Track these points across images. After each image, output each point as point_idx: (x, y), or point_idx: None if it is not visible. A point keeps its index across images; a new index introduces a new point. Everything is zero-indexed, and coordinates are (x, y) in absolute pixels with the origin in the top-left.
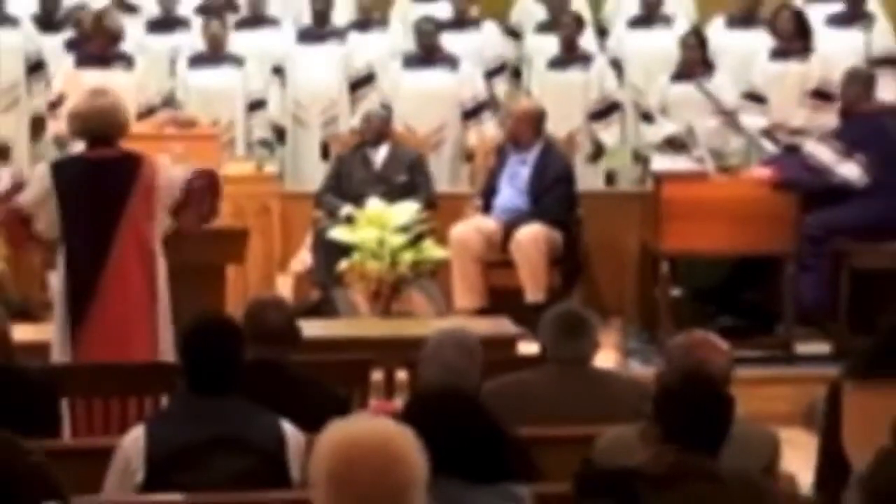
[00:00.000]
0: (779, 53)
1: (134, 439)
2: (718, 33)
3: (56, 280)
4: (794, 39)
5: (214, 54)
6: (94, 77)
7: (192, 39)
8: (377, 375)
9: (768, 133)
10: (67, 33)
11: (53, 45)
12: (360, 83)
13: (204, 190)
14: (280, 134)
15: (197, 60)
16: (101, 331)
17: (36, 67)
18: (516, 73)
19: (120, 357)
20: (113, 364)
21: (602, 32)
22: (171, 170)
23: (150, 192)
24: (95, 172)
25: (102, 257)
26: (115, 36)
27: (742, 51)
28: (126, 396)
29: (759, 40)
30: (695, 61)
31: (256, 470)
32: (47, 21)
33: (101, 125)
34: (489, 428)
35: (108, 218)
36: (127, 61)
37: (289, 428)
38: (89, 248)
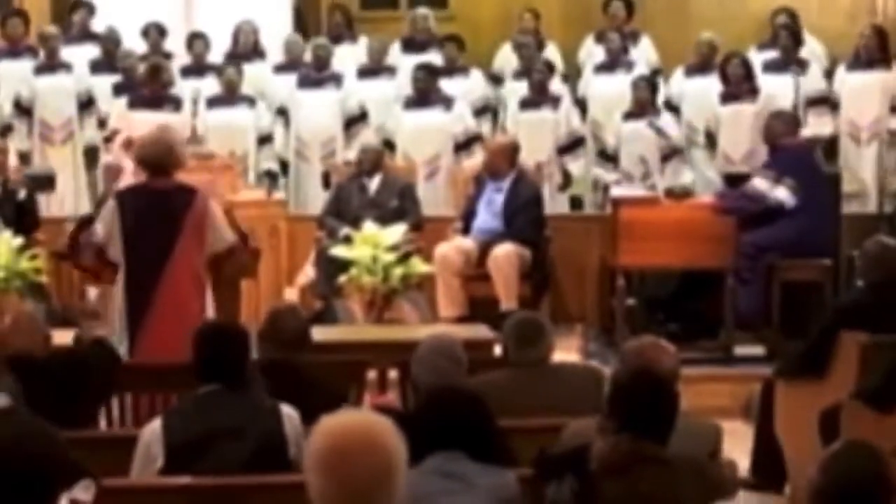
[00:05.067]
0: (729, 96)
1: (152, 430)
2: (679, 81)
3: (117, 294)
4: (743, 83)
5: (230, 96)
6: (145, 117)
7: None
8: (372, 374)
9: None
10: (115, 77)
11: (102, 86)
12: (354, 121)
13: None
14: (284, 166)
15: (215, 101)
16: (155, 339)
17: (86, 105)
18: (494, 113)
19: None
20: (158, 364)
21: (577, 74)
22: (220, 222)
23: (202, 222)
24: (156, 200)
25: (158, 275)
26: (168, 84)
27: (699, 96)
28: (169, 392)
29: (712, 85)
30: (645, 101)
31: (260, 451)
32: (106, 65)
33: (162, 157)
34: (484, 417)
35: (165, 241)
36: (175, 104)
37: (286, 410)
38: (147, 268)
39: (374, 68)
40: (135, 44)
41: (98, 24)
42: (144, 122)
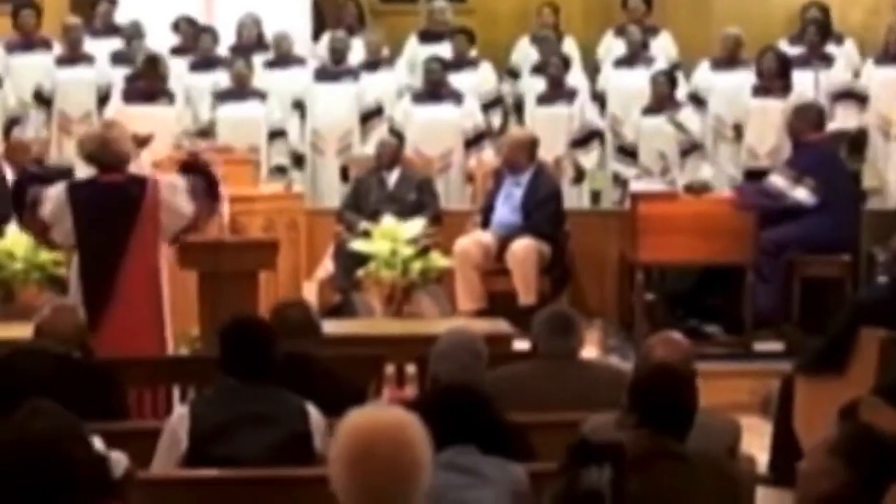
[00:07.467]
0: (760, 91)
1: (179, 416)
2: (705, 74)
3: (74, 287)
4: (776, 78)
5: (241, 90)
6: (140, 111)
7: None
8: (390, 369)
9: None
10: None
11: (120, 78)
12: (370, 115)
13: (209, 208)
14: (299, 160)
15: (225, 95)
16: (113, 332)
17: (106, 99)
18: (518, 108)
19: (131, 354)
20: (160, 357)
21: (595, 70)
22: (175, 201)
23: (156, 211)
24: (106, 194)
25: (113, 269)
26: (163, 77)
27: (728, 90)
28: (170, 385)
29: (742, 79)
30: (664, 96)
31: (285, 442)
32: (127, 57)
33: (99, 153)
34: (495, 414)
35: (120, 235)
36: (169, 97)
37: (311, 407)
38: (101, 261)
39: (373, 62)
40: (157, 37)
41: (120, 18)
42: (141, 116)
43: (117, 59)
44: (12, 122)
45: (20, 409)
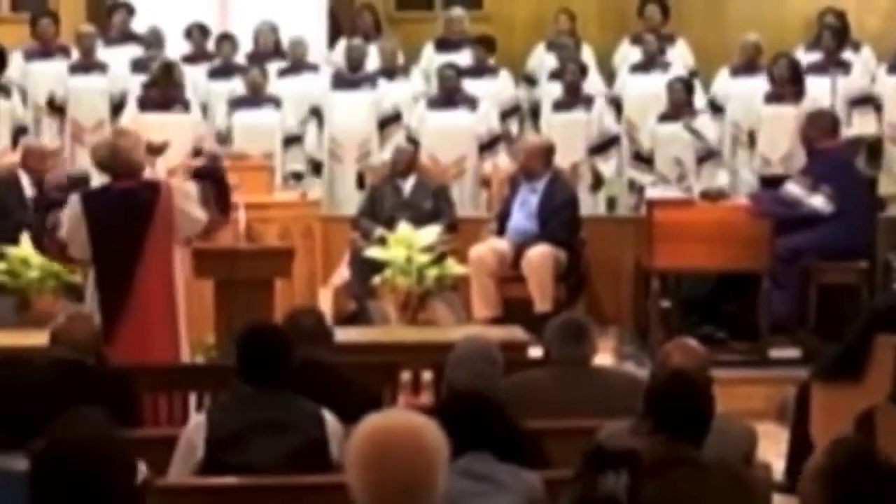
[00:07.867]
0: (773, 97)
1: (196, 424)
2: (724, 82)
3: (90, 297)
4: (789, 85)
5: (255, 97)
6: (155, 119)
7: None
8: (406, 376)
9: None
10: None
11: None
12: (388, 122)
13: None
14: (316, 167)
15: (240, 102)
16: (129, 341)
17: (120, 107)
18: (535, 114)
19: (146, 360)
20: (175, 365)
21: (611, 77)
22: (188, 207)
23: (169, 214)
24: (119, 200)
25: (129, 278)
26: (178, 85)
27: (745, 96)
28: (186, 393)
29: (758, 86)
30: (681, 103)
31: (301, 449)
32: (147, 65)
33: (109, 161)
34: (509, 421)
35: (133, 239)
36: (184, 105)
37: (327, 414)
38: (117, 268)
39: (388, 69)
40: (172, 45)
41: (136, 26)
42: (155, 124)
43: (137, 66)
44: (20, 131)
45: (59, 418)
